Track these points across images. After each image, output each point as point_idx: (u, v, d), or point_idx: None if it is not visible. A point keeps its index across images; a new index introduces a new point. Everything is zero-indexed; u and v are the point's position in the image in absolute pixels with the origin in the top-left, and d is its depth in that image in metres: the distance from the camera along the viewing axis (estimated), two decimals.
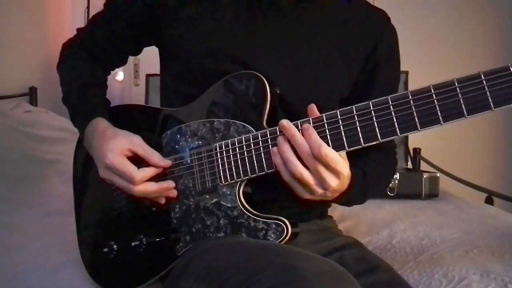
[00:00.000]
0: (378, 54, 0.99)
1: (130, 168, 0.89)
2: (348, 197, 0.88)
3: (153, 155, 0.92)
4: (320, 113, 0.81)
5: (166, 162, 0.92)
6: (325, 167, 0.79)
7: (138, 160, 0.91)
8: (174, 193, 0.93)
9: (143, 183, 0.90)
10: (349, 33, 0.99)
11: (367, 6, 1.04)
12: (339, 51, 0.98)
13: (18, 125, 2.09)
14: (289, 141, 0.81)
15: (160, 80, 1.09)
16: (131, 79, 3.17)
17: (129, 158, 0.91)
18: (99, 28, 1.07)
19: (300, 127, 0.81)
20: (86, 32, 1.10)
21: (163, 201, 0.94)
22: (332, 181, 0.80)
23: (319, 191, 0.81)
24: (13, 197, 1.68)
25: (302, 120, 0.82)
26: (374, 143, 0.77)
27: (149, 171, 0.91)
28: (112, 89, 3.08)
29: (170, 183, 0.92)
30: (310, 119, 0.81)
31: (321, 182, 0.80)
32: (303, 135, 0.79)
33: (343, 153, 0.81)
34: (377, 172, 0.99)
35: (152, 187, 0.91)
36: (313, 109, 0.82)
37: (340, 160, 0.79)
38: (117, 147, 0.91)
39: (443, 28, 3.06)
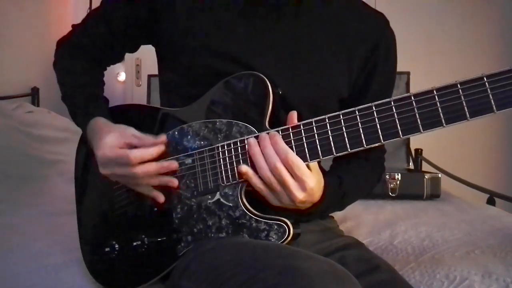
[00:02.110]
0: (377, 56, 1.00)
1: (124, 151, 0.89)
2: (323, 207, 0.89)
3: (146, 138, 0.91)
4: (321, 114, 0.81)
5: (160, 138, 0.91)
6: (291, 175, 0.80)
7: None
8: (174, 182, 0.92)
9: (142, 164, 0.89)
10: (349, 33, 0.99)
11: (366, 8, 1.04)
12: (339, 51, 0.98)
13: (20, 126, 2.09)
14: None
15: (159, 80, 1.09)
16: (133, 79, 3.18)
17: None
18: (96, 25, 1.06)
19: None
20: (82, 29, 1.09)
21: (162, 199, 0.93)
22: (299, 193, 0.81)
23: (286, 200, 0.83)
24: (14, 197, 1.68)
25: (296, 124, 0.83)
26: (377, 144, 0.78)
27: (145, 151, 0.89)
28: (114, 89, 3.09)
29: (172, 163, 0.91)
30: (301, 124, 0.82)
31: (288, 193, 0.81)
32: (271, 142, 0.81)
33: (314, 164, 0.83)
34: (356, 178, 1.00)
35: (152, 166, 0.90)
36: (292, 116, 0.83)
37: (306, 171, 0.81)
38: (111, 141, 0.91)
39: (445, 28, 3.06)
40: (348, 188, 0.96)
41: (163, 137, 0.92)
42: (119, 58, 1.14)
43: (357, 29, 0.99)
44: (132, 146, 0.91)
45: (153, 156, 0.90)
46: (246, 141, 0.85)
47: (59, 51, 1.11)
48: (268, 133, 0.84)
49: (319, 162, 0.85)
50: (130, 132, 0.92)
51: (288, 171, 0.80)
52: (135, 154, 0.89)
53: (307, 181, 0.80)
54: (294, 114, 0.84)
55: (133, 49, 1.10)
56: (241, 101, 0.90)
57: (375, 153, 1.04)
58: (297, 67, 0.95)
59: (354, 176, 0.98)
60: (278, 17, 0.96)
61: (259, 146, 0.83)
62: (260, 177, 0.83)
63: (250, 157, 0.84)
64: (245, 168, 0.84)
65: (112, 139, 0.91)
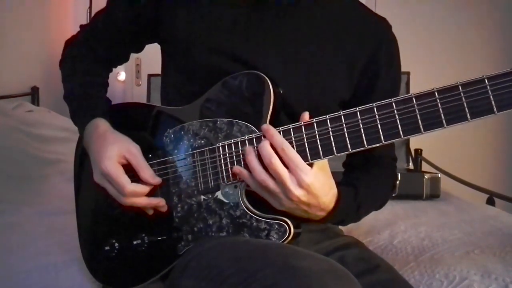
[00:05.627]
0: (379, 60, 0.99)
1: (124, 180, 0.90)
2: (338, 217, 0.88)
3: (145, 170, 0.92)
4: (321, 115, 0.81)
5: (157, 180, 0.93)
6: (288, 168, 0.79)
7: (131, 170, 0.92)
8: (164, 208, 0.94)
9: (132, 196, 0.91)
10: (350, 36, 0.98)
11: (369, 12, 1.04)
12: (340, 53, 0.97)
13: (20, 125, 2.09)
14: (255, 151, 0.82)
15: (161, 77, 1.09)
16: (133, 79, 3.18)
17: (124, 166, 0.92)
18: (102, 25, 1.08)
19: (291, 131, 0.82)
20: (89, 29, 1.11)
21: (151, 212, 0.95)
22: (294, 189, 0.79)
23: (286, 201, 0.81)
24: (14, 197, 1.68)
25: (294, 124, 0.82)
26: (378, 145, 0.78)
27: (140, 188, 0.91)
28: (114, 89, 3.09)
29: (161, 201, 0.93)
30: (302, 123, 0.82)
31: (283, 189, 0.80)
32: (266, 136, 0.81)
33: (322, 165, 0.82)
34: (371, 188, 0.98)
35: (141, 201, 0.92)
36: (304, 116, 0.83)
37: (302, 165, 0.79)
38: (115, 154, 0.92)
39: (445, 28, 3.06)
40: (363, 198, 0.94)
41: (158, 180, 0.93)
42: (125, 58, 1.15)
43: (358, 33, 0.99)
44: (127, 162, 0.92)
45: (145, 194, 0.92)
46: (243, 148, 0.85)
47: (67, 51, 1.12)
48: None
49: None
50: (134, 150, 0.93)
51: (284, 164, 0.79)
52: (130, 189, 0.90)
53: (302, 175, 0.79)
54: (306, 114, 0.83)
55: (139, 49, 1.12)
56: (241, 100, 0.90)
57: (387, 159, 1.04)
58: (298, 67, 0.95)
59: (368, 185, 0.96)
60: (279, 17, 0.96)
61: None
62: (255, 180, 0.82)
63: (248, 162, 0.83)
64: (238, 169, 0.85)
65: (116, 151, 0.92)
